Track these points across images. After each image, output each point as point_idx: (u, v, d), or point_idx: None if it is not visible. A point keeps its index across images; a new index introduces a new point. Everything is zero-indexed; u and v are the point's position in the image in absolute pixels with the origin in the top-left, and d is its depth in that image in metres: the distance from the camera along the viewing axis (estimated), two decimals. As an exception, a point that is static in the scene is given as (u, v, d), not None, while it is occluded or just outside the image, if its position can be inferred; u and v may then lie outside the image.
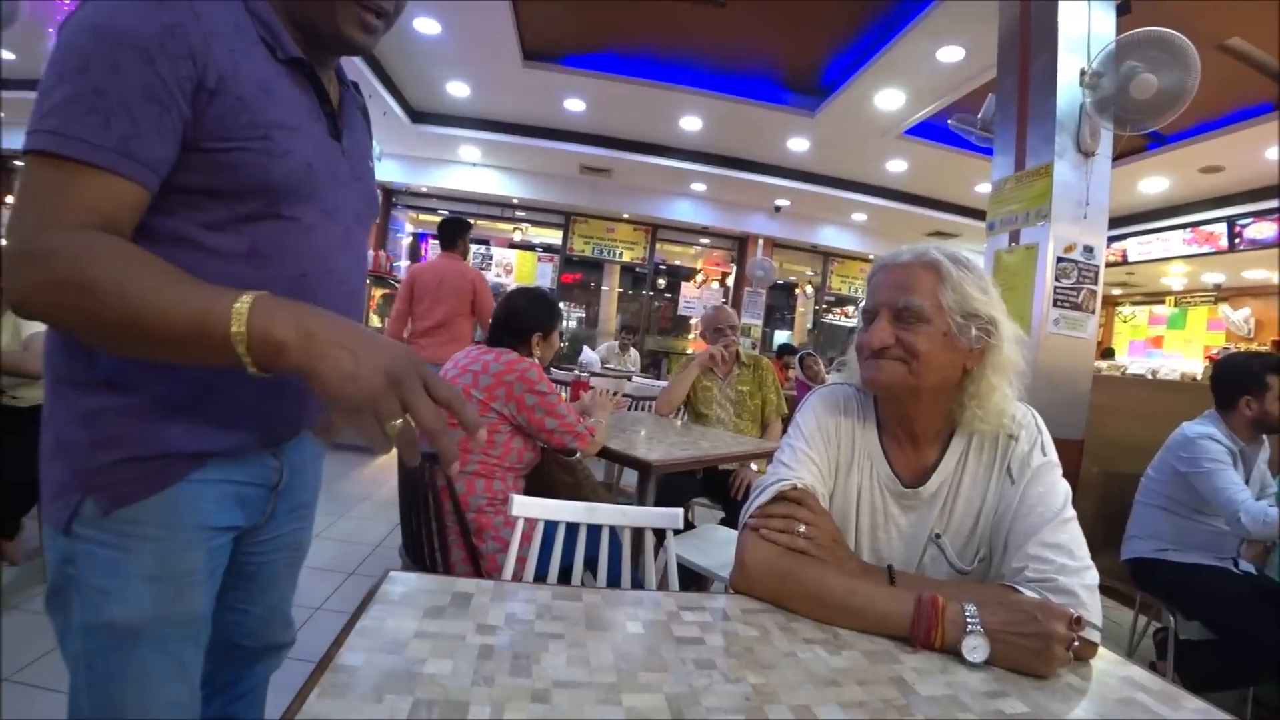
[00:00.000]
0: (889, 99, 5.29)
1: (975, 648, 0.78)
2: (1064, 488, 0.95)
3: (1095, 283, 2.82)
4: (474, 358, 1.93)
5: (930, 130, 5.97)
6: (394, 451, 1.48)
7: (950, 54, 4.44)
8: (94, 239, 0.64)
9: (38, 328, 2.36)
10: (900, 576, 0.92)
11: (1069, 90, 2.80)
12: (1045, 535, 0.89)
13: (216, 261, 0.75)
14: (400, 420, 0.60)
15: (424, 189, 9.06)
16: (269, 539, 0.97)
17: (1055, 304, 2.76)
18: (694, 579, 2.11)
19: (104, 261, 0.62)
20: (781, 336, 10.41)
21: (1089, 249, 2.80)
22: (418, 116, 7.22)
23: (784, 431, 3.06)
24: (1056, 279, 2.76)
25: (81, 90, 0.64)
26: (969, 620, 0.79)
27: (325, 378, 0.60)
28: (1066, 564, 0.87)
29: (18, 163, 10.11)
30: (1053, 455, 0.97)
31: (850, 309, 10.62)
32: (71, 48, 0.65)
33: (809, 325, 10.60)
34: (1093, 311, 2.82)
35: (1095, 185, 2.83)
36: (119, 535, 0.76)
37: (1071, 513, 0.92)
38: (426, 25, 5.09)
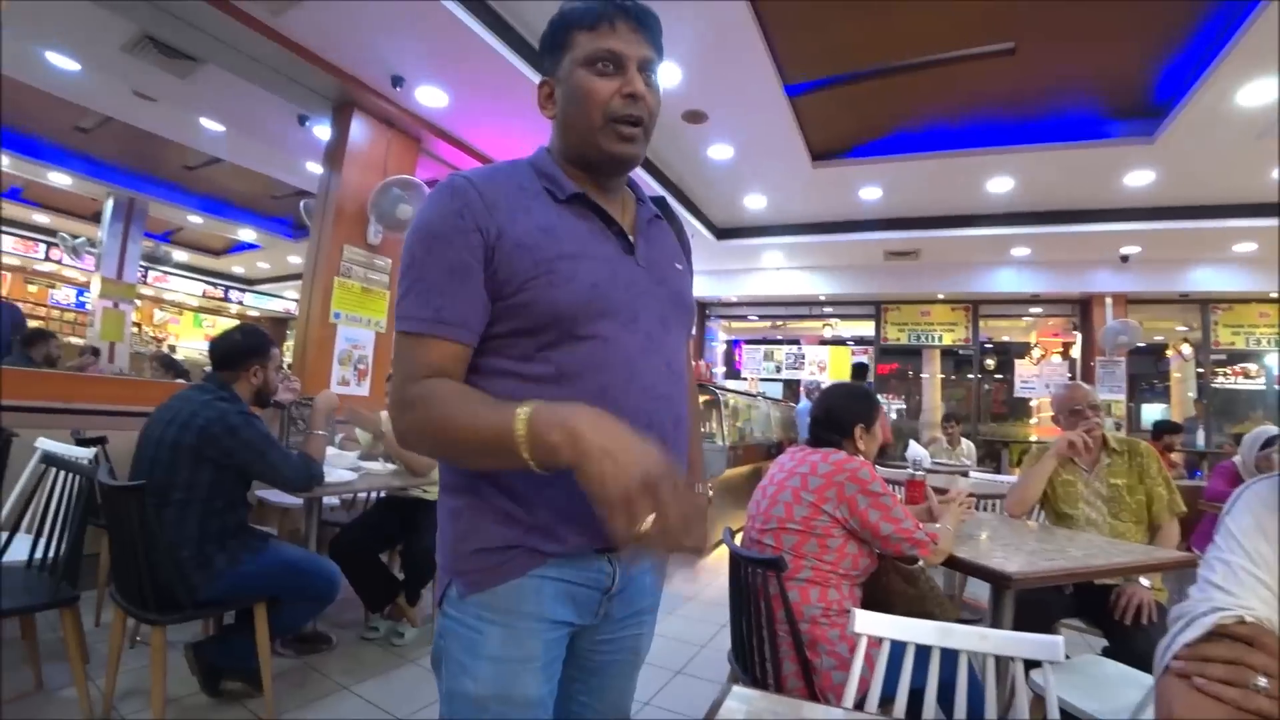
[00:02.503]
0: (1259, 91, 4.13)
1: None
2: None
3: None
4: (800, 459, 1.87)
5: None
6: (723, 550, 1.47)
7: (1349, 4, 3.29)
8: (432, 388, 0.84)
9: None
10: None
11: None
12: None
13: (530, 386, 0.88)
14: (650, 519, 0.65)
15: (733, 298, 9.66)
16: (608, 639, 1.02)
17: None
18: (1072, 724, 1.69)
19: (436, 404, 0.83)
20: (1153, 412, 8.43)
21: None
22: (722, 233, 7.83)
23: (1186, 535, 2.40)
24: None
25: (411, 282, 0.87)
26: None
27: (588, 476, 0.68)
28: None
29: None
30: None
31: (1254, 366, 8.14)
32: (405, 251, 0.90)
33: (1192, 393, 8.36)
34: None
35: None
36: (474, 618, 0.88)
37: None
38: (720, 151, 5.61)
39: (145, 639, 2.57)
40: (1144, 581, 2.14)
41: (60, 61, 4.63)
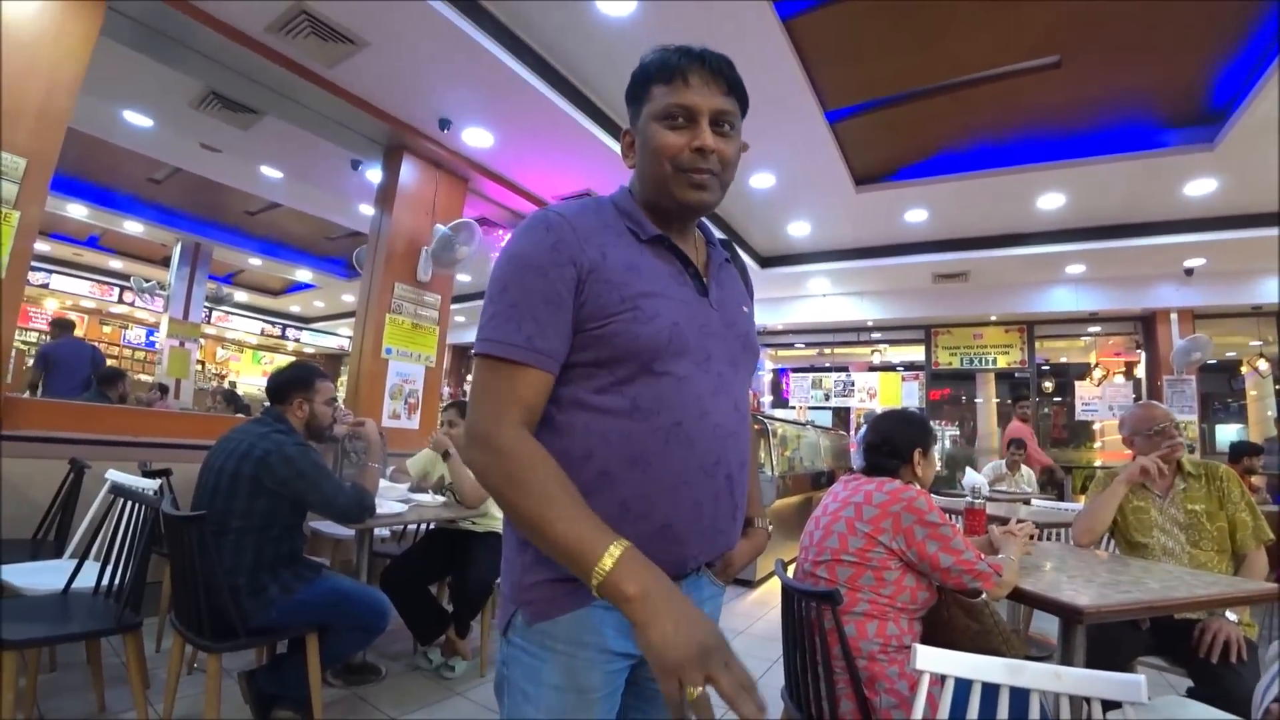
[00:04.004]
0: None
1: None
2: None
3: None
4: (854, 489, 1.81)
5: None
6: (775, 583, 1.44)
7: None
8: (527, 445, 0.85)
9: None
10: None
11: None
12: None
13: (606, 418, 0.89)
14: (700, 689, 0.67)
15: (779, 326, 9.58)
16: None
17: None
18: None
19: (531, 469, 0.83)
20: (1229, 432, 7.95)
21: None
22: (766, 262, 7.82)
23: (1274, 565, 2.22)
24: None
25: (502, 307, 0.89)
26: None
27: (649, 636, 0.71)
28: None
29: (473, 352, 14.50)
30: None
31: None
32: (496, 277, 0.92)
33: (1272, 412, 7.80)
34: None
35: None
36: (538, 646, 0.89)
37: None
38: (762, 180, 5.63)
39: (202, 666, 2.63)
40: (1230, 616, 2.00)
41: (136, 119, 4.96)
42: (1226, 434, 8.30)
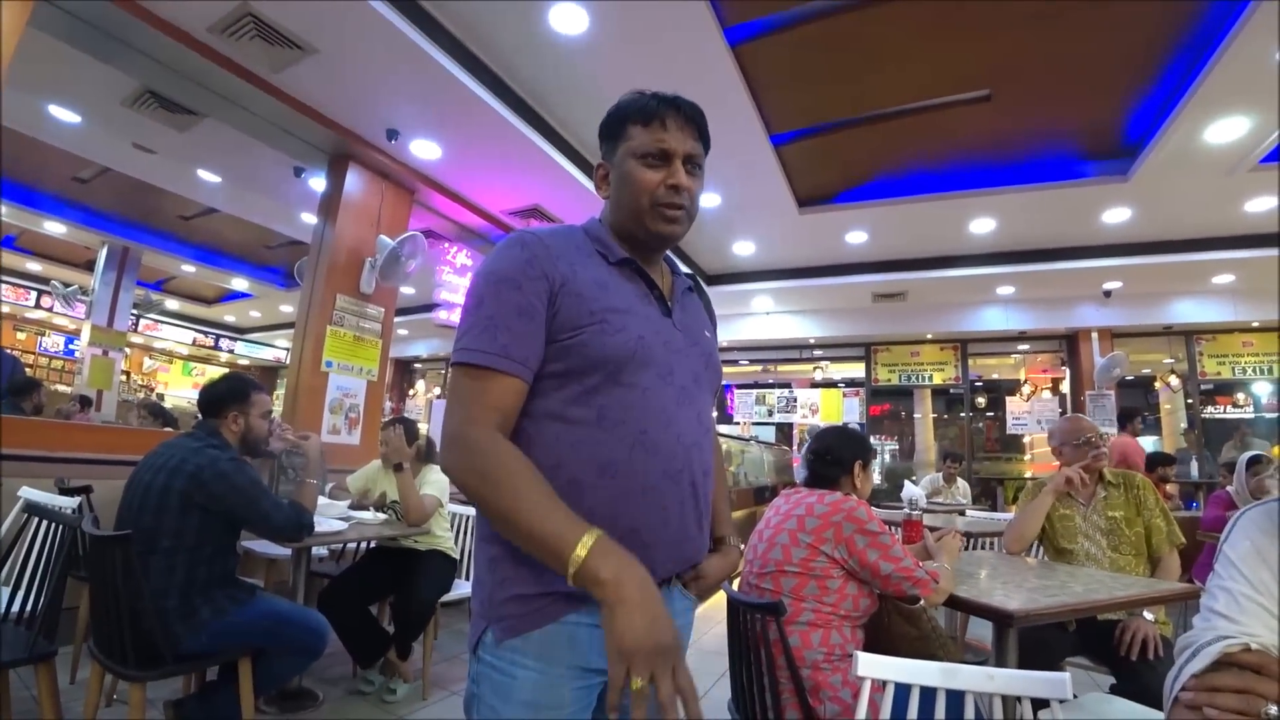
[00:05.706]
0: (1225, 130, 4.28)
1: None
2: None
3: None
4: (796, 501, 1.86)
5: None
6: (721, 598, 1.47)
7: (1302, 46, 3.41)
8: (499, 444, 0.88)
9: (431, 492, 3.01)
10: None
11: None
12: None
13: (576, 428, 0.93)
14: (644, 684, 0.72)
15: (724, 343, 9.69)
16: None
17: None
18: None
19: (503, 465, 0.86)
20: (1145, 444, 8.43)
21: None
22: (711, 280, 7.95)
23: (1186, 567, 2.37)
24: None
25: (479, 319, 0.93)
26: None
27: (615, 620, 0.74)
28: None
29: (417, 366, 13.73)
30: None
31: (1241, 395, 8.16)
32: (473, 292, 0.96)
33: (1183, 424, 8.38)
34: None
35: None
36: (508, 663, 0.90)
37: None
38: (708, 199, 5.73)
39: (122, 697, 2.49)
40: (1148, 615, 2.12)
41: (62, 114, 4.72)
42: (1143, 445, 8.76)
